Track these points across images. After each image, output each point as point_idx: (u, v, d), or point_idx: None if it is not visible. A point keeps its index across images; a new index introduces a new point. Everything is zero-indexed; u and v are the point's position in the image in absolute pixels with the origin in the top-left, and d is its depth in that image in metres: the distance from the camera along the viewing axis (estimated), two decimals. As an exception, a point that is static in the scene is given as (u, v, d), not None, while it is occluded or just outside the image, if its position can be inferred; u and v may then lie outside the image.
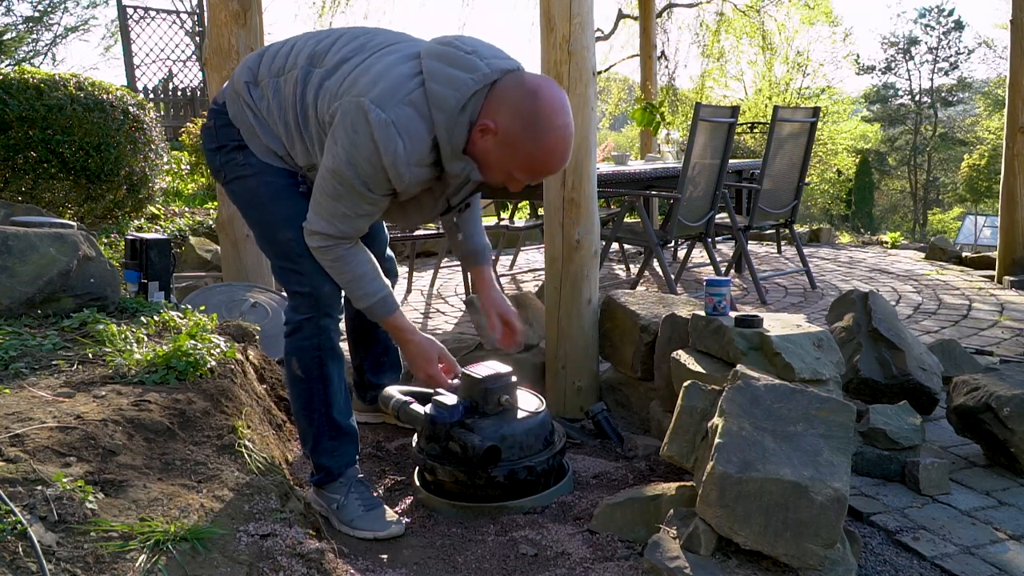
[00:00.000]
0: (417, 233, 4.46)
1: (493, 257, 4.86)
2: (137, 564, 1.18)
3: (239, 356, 2.22)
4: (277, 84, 1.80)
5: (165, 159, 5.74)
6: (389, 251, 2.30)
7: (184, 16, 11.65)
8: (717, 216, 4.17)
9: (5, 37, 17.82)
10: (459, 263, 4.61)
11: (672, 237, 4.01)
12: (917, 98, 31.78)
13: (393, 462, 2.33)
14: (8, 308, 2.15)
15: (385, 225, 2.30)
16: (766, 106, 18.12)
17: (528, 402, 2.10)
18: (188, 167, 7.22)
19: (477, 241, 2.10)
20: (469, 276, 4.27)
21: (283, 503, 1.57)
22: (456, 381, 2.04)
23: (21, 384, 1.70)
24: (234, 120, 1.87)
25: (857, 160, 24.67)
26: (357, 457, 2.03)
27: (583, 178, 2.55)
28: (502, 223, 5.33)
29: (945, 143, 29.88)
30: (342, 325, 2.04)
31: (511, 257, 5.73)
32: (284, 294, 3.56)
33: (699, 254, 5.68)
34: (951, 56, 31.30)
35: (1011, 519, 1.86)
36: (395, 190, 1.72)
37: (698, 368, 2.03)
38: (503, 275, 5.15)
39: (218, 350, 2.06)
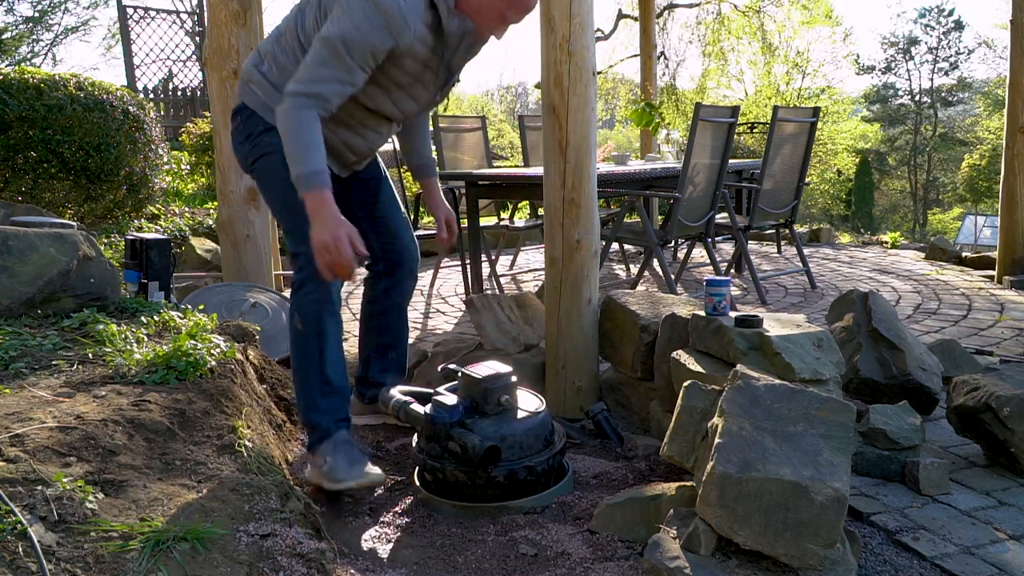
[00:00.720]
0: (417, 233, 4.46)
1: (493, 257, 4.88)
2: (137, 564, 1.18)
3: (239, 356, 2.22)
4: (279, 45, 2.06)
5: (165, 159, 5.74)
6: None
7: (184, 16, 11.65)
8: (717, 216, 4.18)
9: (5, 37, 17.82)
10: (457, 265, 4.62)
11: (672, 237, 4.01)
12: (917, 98, 31.77)
13: (393, 462, 2.33)
14: (8, 308, 2.15)
15: (408, 221, 2.49)
16: (766, 106, 18.12)
17: (528, 402, 2.10)
18: (188, 167, 7.22)
19: (427, 155, 2.45)
20: (468, 273, 4.28)
21: (283, 503, 1.57)
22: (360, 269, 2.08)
23: (21, 384, 1.70)
24: (255, 108, 2.08)
25: (857, 160, 24.67)
26: (350, 420, 2.13)
27: (583, 178, 2.55)
28: (502, 223, 5.33)
29: (945, 143, 29.87)
30: (349, 319, 2.11)
31: (511, 257, 5.74)
32: (284, 294, 3.56)
33: (699, 254, 5.68)
34: (951, 56, 31.31)
35: (1011, 519, 1.86)
36: (378, 62, 1.91)
37: (698, 368, 2.03)
38: (503, 275, 5.15)
39: (218, 350, 2.06)
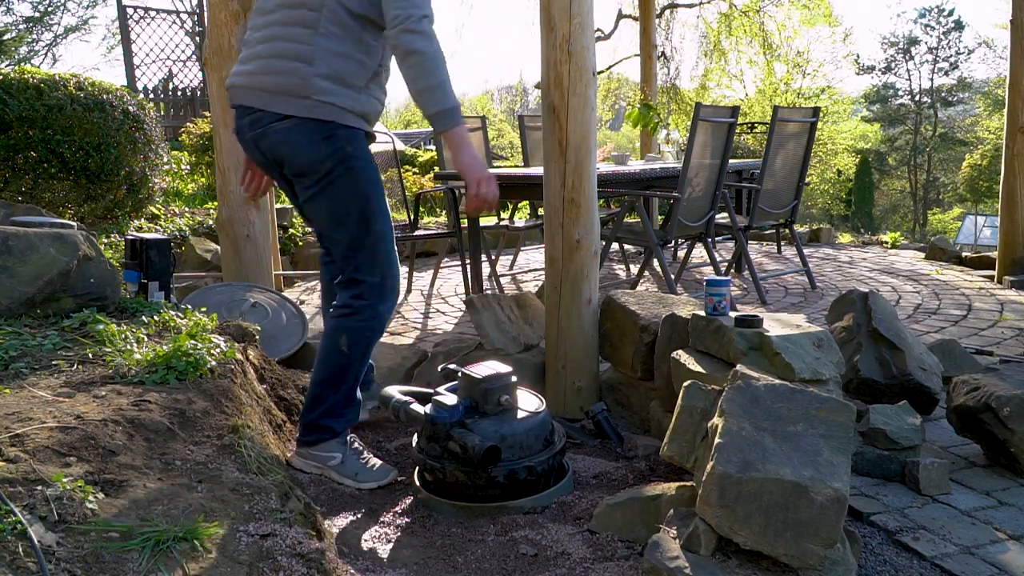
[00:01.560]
0: (417, 233, 4.46)
1: (493, 257, 4.88)
2: (137, 564, 1.18)
3: (239, 356, 2.22)
4: (321, 38, 1.94)
5: (165, 159, 5.74)
6: None
7: (184, 16, 11.65)
8: (717, 216, 4.18)
9: (5, 37, 17.82)
10: (457, 265, 4.63)
11: (672, 237, 4.01)
12: (917, 98, 31.78)
13: (393, 462, 2.33)
14: (8, 308, 2.15)
15: None
16: (766, 107, 18.12)
17: (528, 402, 2.10)
18: (188, 167, 7.22)
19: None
20: (468, 273, 4.28)
21: (283, 503, 1.57)
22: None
23: (21, 384, 1.70)
24: (334, 118, 1.97)
25: (857, 160, 24.68)
26: None
27: (583, 178, 2.55)
28: (502, 223, 5.33)
29: (945, 143, 29.88)
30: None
31: (511, 257, 5.74)
32: (284, 294, 3.56)
33: (699, 254, 5.68)
34: (951, 56, 31.32)
35: (1011, 519, 1.86)
36: None
37: (698, 368, 2.03)
38: (503, 275, 5.15)
39: (218, 350, 2.06)
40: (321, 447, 2.15)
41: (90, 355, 1.95)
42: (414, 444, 2.13)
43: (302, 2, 1.95)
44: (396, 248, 2.14)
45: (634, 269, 5.20)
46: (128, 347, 1.99)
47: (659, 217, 5.98)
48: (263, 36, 2.02)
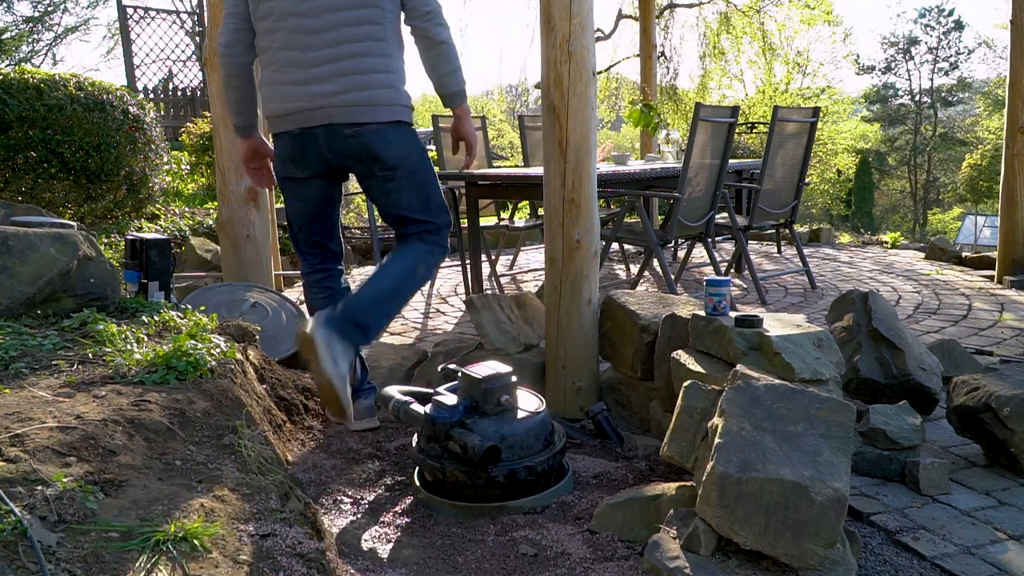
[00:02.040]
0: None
1: (493, 257, 4.88)
2: (137, 564, 1.18)
3: (239, 356, 2.22)
4: (390, 48, 2.21)
5: (165, 159, 5.74)
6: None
7: (184, 16, 11.64)
8: (717, 216, 4.18)
9: (5, 37, 17.82)
10: (457, 265, 4.63)
11: (672, 237, 4.01)
12: (917, 98, 31.79)
13: (393, 462, 2.33)
14: (8, 308, 2.15)
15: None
16: (766, 107, 18.11)
17: (528, 402, 2.10)
18: (188, 167, 7.22)
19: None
20: (468, 273, 4.28)
21: (283, 503, 1.57)
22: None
23: (21, 384, 1.70)
24: (409, 119, 2.28)
25: (857, 160, 24.69)
26: None
27: (583, 178, 2.55)
28: (502, 223, 5.33)
29: (945, 143, 29.90)
30: None
31: (511, 257, 5.74)
32: (284, 294, 3.55)
33: (699, 254, 5.68)
34: (951, 56, 31.34)
35: (1011, 519, 1.86)
36: None
37: (698, 368, 2.03)
38: (503, 275, 5.15)
39: (218, 350, 2.06)
40: (347, 345, 2.10)
41: (90, 355, 1.95)
42: (414, 444, 2.13)
43: (365, 18, 2.13)
44: None
45: (634, 269, 5.20)
46: (128, 347, 1.99)
47: (659, 217, 5.98)
48: (332, 54, 2.16)
